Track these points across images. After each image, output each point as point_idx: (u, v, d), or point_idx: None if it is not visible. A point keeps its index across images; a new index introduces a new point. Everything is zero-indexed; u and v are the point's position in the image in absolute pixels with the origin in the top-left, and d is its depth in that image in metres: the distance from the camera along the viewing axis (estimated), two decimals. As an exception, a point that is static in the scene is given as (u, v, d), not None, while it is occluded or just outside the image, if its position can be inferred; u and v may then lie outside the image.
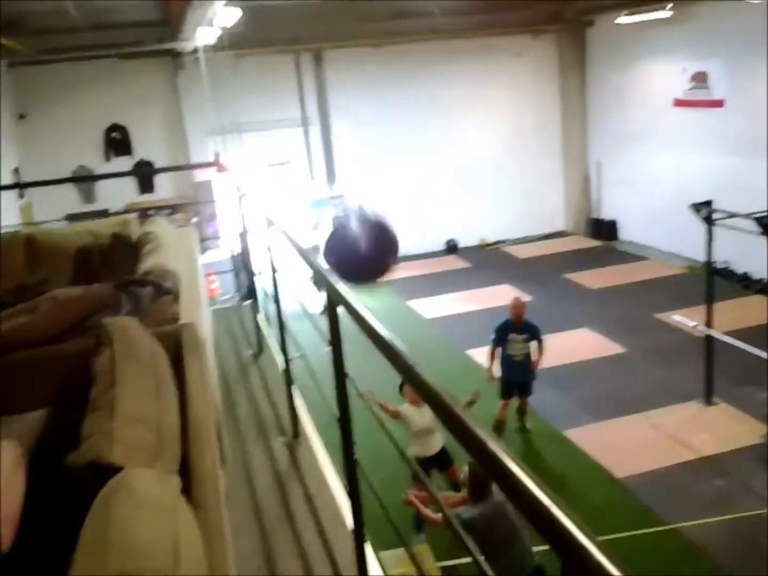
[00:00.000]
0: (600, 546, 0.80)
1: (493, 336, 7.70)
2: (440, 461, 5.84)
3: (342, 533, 2.32)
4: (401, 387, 5.67)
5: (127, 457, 1.55)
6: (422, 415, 5.59)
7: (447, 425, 1.16)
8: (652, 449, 7.41)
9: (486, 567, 1.29)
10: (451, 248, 16.24)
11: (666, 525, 6.15)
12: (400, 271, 15.99)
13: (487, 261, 15.37)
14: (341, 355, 1.98)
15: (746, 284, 12.01)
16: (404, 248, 16.99)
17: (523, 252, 15.78)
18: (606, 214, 16.35)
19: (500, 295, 12.86)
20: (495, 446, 1.04)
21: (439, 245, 16.23)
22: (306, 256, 2.30)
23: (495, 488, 4.41)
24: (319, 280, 2.10)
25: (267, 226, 3.20)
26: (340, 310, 1.82)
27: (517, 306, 7.70)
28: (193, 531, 1.35)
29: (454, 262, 15.52)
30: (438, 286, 13.70)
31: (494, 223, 16.37)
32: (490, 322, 11.48)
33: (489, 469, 1.03)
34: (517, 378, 7.63)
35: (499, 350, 7.65)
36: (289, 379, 3.21)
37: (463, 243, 16.33)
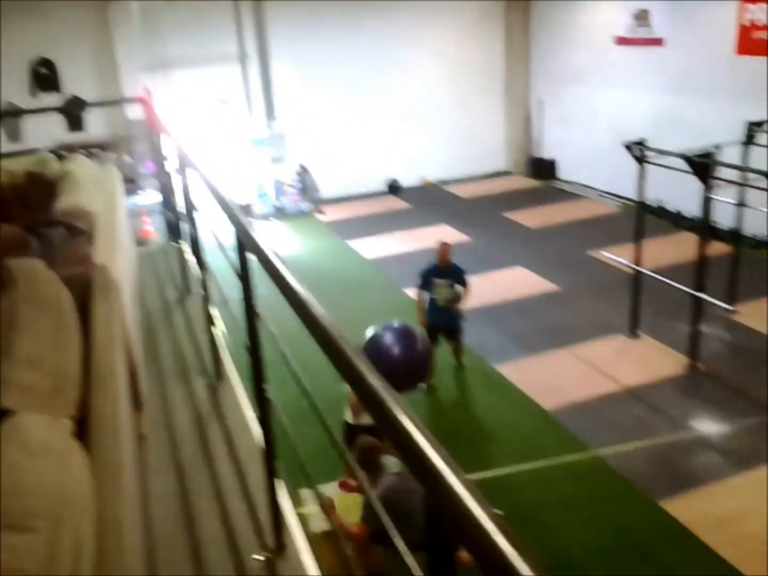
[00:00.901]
0: (467, 484, 0.83)
1: (418, 281, 7.64)
2: (371, 434, 5.91)
3: (259, 473, 2.37)
4: None
5: (21, 402, 1.54)
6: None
7: (333, 360, 1.16)
8: (579, 381, 7.71)
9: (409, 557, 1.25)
10: (393, 188, 16.18)
11: (590, 452, 6.46)
12: (340, 212, 16.04)
13: (428, 201, 15.39)
14: (251, 296, 1.99)
15: (677, 222, 12.36)
16: (345, 188, 16.98)
17: (465, 191, 15.84)
18: (546, 154, 16.48)
19: (440, 235, 12.96)
20: (373, 379, 1.06)
21: (381, 185, 16.15)
22: (222, 198, 2.26)
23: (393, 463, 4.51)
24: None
25: (188, 165, 3.13)
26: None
27: (444, 250, 7.54)
28: (83, 474, 1.37)
29: (395, 202, 15.50)
30: (379, 226, 13.70)
31: (437, 162, 16.35)
32: (429, 261, 11.63)
33: (366, 400, 1.05)
34: (442, 323, 7.49)
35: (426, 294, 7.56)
36: (210, 321, 3.20)
37: (405, 182, 16.28)
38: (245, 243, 1.86)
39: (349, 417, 5.58)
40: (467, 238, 12.70)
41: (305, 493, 5.00)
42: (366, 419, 5.63)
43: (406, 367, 5.24)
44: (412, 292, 10.39)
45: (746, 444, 6.47)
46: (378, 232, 13.34)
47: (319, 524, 4.51)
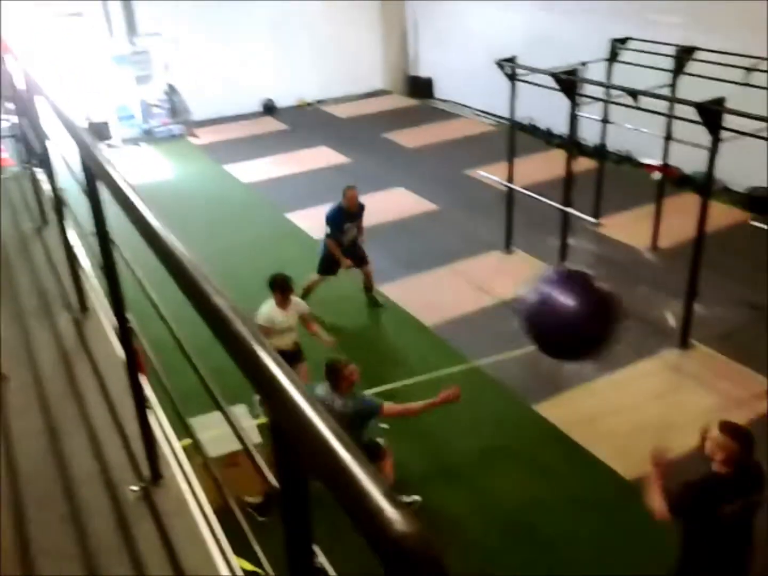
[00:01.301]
0: (304, 393, 0.83)
1: (328, 230, 7.56)
2: (294, 357, 6.03)
3: (131, 405, 2.30)
4: (271, 285, 5.78)
5: None
6: (287, 316, 5.81)
7: (193, 301, 1.11)
8: (459, 297, 7.96)
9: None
10: (268, 108, 15.67)
11: (470, 363, 6.74)
12: (214, 134, 15.36)
13: (305, 121, 15.05)
14: (103, 225, 1.87)
15: (548, 139, 12.75)
16: (218, 109, 16.20)
17: (342, 111, 15.58)
18: (423, 72, 16.40)
19: (320, 157, 12.79)
20: (219, 300, 1.02)
21: (255, 106, 15.58)
22: (67, 121, 2.08)
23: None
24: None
25: (35, 87, 2.86)
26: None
27: (353, 195, 7.58)
28: None
29: (271, 124, 15.04)
30: (255, 148, 13.30)
31: (312, 81, 15.91)
32: (310, 184, 11.49)
33: (215, 326, 1.02)
34: (349, 257, 7.58)
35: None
36: (69, 252, 3.01)
37: (280, 103, 15.79)
38: (93, 169, 1.73)
39: (274, 340, 5.73)
40: (347, 160, 12.58)
41: (193, 421, 4.94)
42: (282, 342, 5.79)
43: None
44: (293, 216, 10.29)
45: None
46: (255, 155, 12.96)
47: (213, 449, 4.48)
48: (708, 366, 6.59)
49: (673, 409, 6.11)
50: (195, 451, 4.53)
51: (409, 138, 13.51)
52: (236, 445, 5.00)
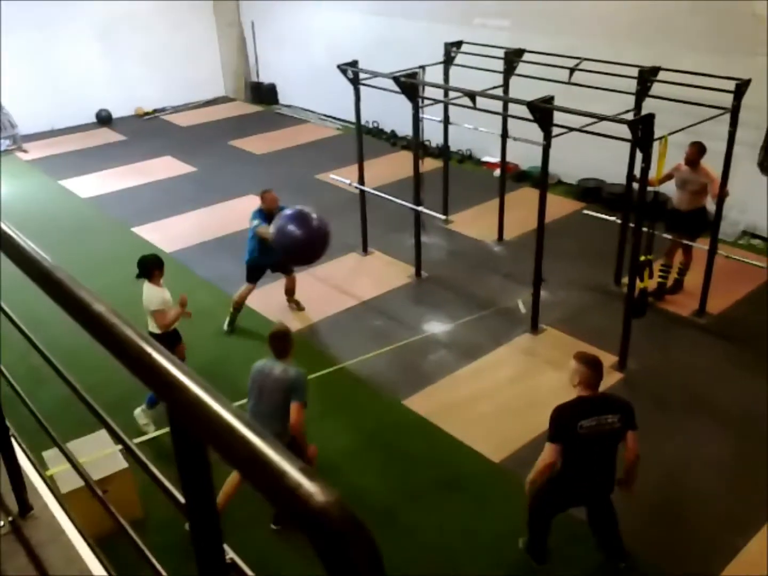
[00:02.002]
0: (204, 385, 0.81)
1: (255, 221, 7.17)
2: (173, 339, 6.02)
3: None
4: (147, 266, 5.84)
5: None
6: (164, 293, 5.86)
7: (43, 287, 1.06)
8: (321, 300, 7.99)
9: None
10: (104, 119, 14.92)
11: (337, 365, 6.79)
12: (46, 148, 14.40)
13: (146, 131, 14.48)
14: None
15: (394, 141, 13.08)
16: (48, 122, 15.21)
17: (184, 120, 15.15)
18: (266, 78, 16.28)
19: (164, 167, 12.36)
20: (104, 310, 0.99)
21: (90, 117, 14.79)
22: None
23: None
24: None
25: None
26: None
27: (272, 198, 7.22)
28: None
29: (108, 135, 14.34)
30: (93, 161, 12.63)
31: (150, 89, 15.35)
32: (156, 196, 11.07)
33: (97, 333, 0.98)
34: (271, 259, 7.21)
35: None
36: None
37: (117, 113, 15.08)
38: None
39: (153, 327, 5.88)
40: (193, 169, 12.25)
41: (50, 453, 4.64)
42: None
43: (312, 241, 6.40)
44: (140, 230, 9.86)
45: (467, 338, 7.26)
46: (94, 168, 12.31)
47: (71, 482, 4.22)
48: (558, 347, 7.04)
49: (530, 390, 6.48)
50: (62, 479, 4.28)
51: (257, 144, 13.37)
52: (105, 471, 4.79)
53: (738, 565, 4.68)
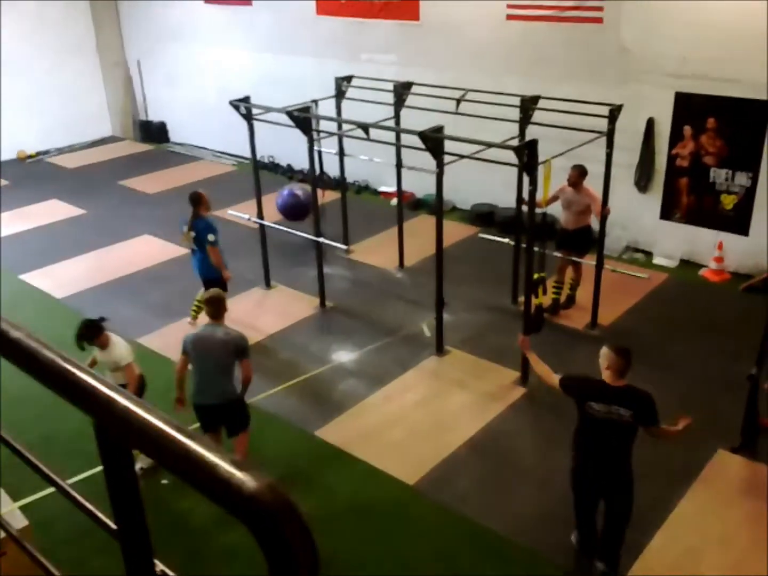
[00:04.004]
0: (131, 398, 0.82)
1: (211, 237, 7.35)
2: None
3: None
4: (85, 336, 5.50)
5: None
6: (109, 355, 5.66)
7: None
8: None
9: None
10: (-17, 164, 14.20)
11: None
12: None
13: (29, 175, 13.88)
14: None
15: (290, 175, 13.13)
16: None
17: (70, 161, 14.64)
18: (155, 116, 16.01)
19: (51, 211, 11.89)
20: (22, 336, 0.97)
21: (-36, 162, 14.05)
22: None
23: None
24: None
25: None
26: None
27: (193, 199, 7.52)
28: None
29: (-12, 180, 13.65)
30: (-27, 209, 11.96)
31: (32, 131, 14.76)
32: (44, 241, 10.62)
33: (17, 359, 0.96)
34: (198, 271, 7.57)
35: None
36: None
37: (-4, 157, 14.41)
38: None
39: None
40: (82, 211, 11.84)
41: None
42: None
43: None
44: (29, 276, 9.42)
45: (375, 365, 7.32)
46: (-27, 216, 11.66)
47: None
48: (462, 367, 7.22)
49: (438, 412, 6.60)
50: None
51: (148, 184, 13.08)
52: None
53: (644, 561, 4.91)
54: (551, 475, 5.73)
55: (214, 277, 7.35)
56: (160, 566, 1.01)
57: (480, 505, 5.46)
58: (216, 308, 5.45)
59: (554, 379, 4.80)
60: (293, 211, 9.83)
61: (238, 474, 0.71)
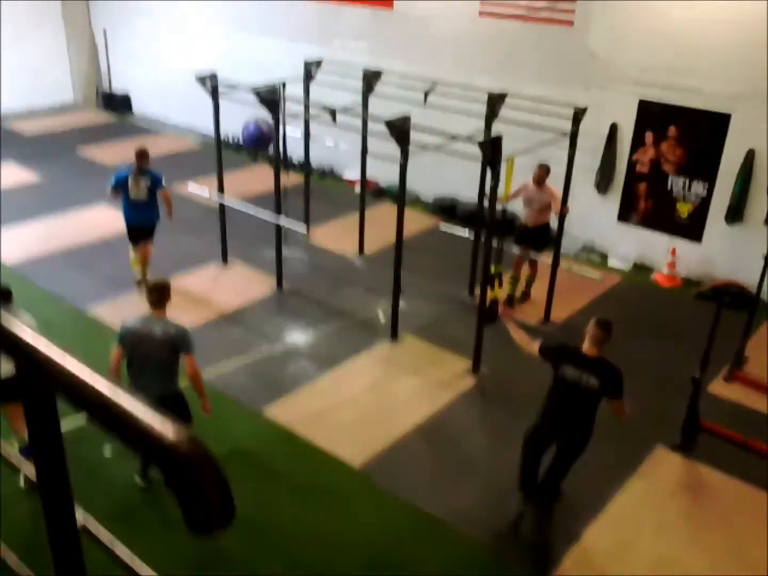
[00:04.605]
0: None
1: (112, 181, 7.90)
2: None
3: None
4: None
5: None
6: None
7: None
8: (175, 312, 7.64)
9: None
10: (-64, 123, 13.72)
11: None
12: None
13: (-15, 138, 13.47)
14: None
15: (254, 156, 12.98)
16: None
17: (28, 127, 14.24)
18: (118, 87, 15.67)
19: (4, 175, 11.55)
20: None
21: None
22: None
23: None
24: None
25: None
26: None
27: (143, 152, 7.97)
28: None
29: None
30: None
31: (-10, 93, 14.32)
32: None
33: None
34: (139, 221, 7.95)
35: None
36: None
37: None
38: None
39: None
40: (37, 179, 11.55)
41: None
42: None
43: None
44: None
45: (328, 348, 7.33)
46: None
47: None
48: (415, 354, 7.27)
49: (388, 396, 6.64)
50: None
51: (108, 154, 12.80)
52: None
53: (579, 549, 5.03)
54: (495, 466, 5.82)
55: (155, 224, 8.08)
56: (82, 520, 1.01)
57: (423, 491, 5.51)
58: (159, 296, 5.05)
59: (533, 346, 5.07)
60: (257, 142, 9.75)
61: (159, 425, 0.72)
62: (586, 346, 4.83)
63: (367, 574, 4.81)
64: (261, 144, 9.83)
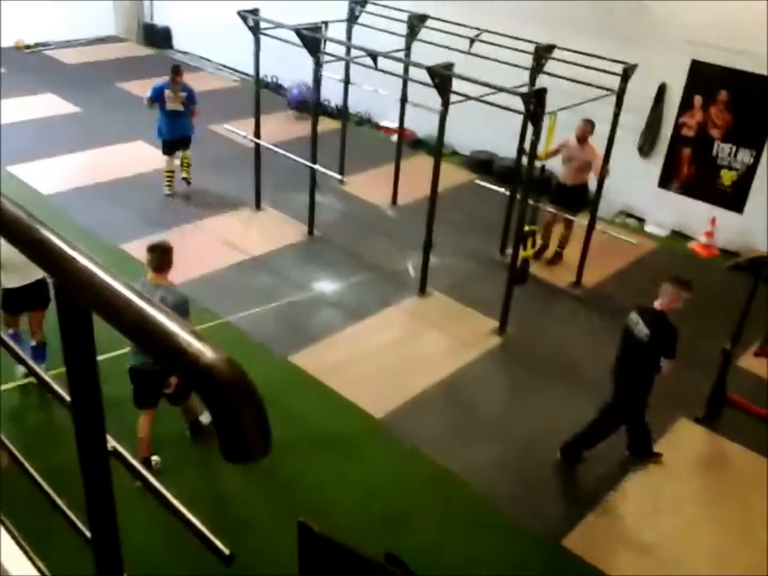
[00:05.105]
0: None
1: (150, 93, 8.75)
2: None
3: None
4: None
5: None
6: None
7: None
8: (207, 254, 7.81)
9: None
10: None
11: (222, 319, 6.68)
12: None
13: (27, 66, 13.48)
14: None
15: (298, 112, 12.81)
16: None
17: (70, 57, 14.21)
18: (160, 20, 15.52)
19: (45, 105, 11.61)
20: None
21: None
22: None
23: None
24: None
25: None
26: None
27: (179, 71, 8.69)
28: None
29: (-17, 65, 13.23)
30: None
31: (34, 21, 14.23)
32: (36, 135, 10.40)
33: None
34: (178, 133, 8.81)
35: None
36: None
37: (-6, 43, 13.93)
38: None
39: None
40: (77, 109, 11.58)
41: None
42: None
43: None
44: (21, 171, 9.25)
45: (356, 298, 7.33)
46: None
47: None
48: (442, 311, 7.25)
49: (413, 351, 6.66)
50: None
51: (147, 89, 12.62)
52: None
53: (594, 515, 5.05)
54: (512, 426, 5.83)
55: (190, 135, 9.01)
56: (112, 442, 1.01)
57: (441, 445, 5.55)
58: (160, 258, 4.67)
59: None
60: (300, 104, 10.17)
61: (197, 344, 0.70)
62: (657, 301, 4.93)
63: (378, 521, 4.88)
64: (304, 106, 9.72)
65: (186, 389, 4.86)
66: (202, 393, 0.68)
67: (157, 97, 8.62)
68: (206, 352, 0.69)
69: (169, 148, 8.87)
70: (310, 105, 9.08)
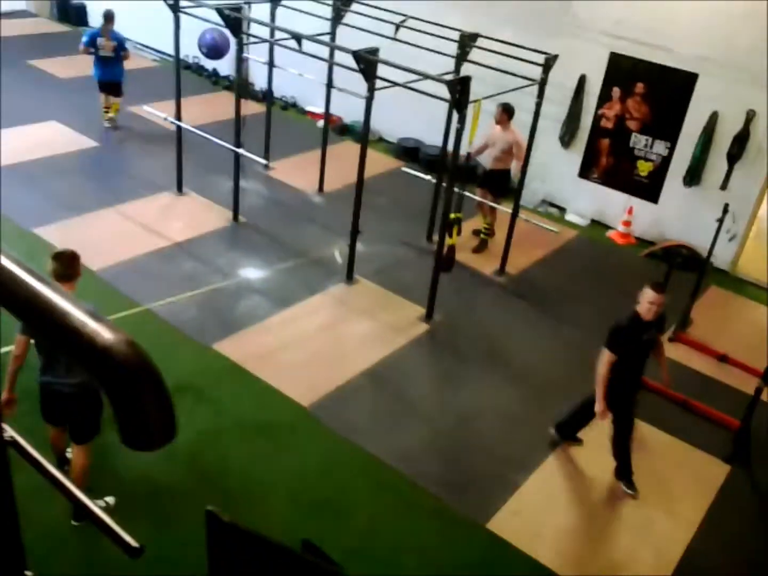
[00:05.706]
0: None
1: (85, 38, 9.53)
2: None
3: None
4: None
5: None
6: None
7: None
8: (126, 240, 7.54)
9: None
10: None
11: (142, 306, 6.47)
12: None
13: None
14: None
15: (215, 80, 12.53)
16: None
17: (-25, 32, 13.41)
18: (74, -3, 14.83)
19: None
20: None
21: None
22: None
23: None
24: None
25: None
26: None
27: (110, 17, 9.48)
28: None
29: None
30: None
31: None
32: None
33: None
34: (108, 76, 9.63)
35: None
36: None
37: None
38: None
39: None
40: (-16, 87, 10.93)
41: None
42: None
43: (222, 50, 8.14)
44: None
45: (282, 285, 7.23)
46: None
47: None
48: (369, 298, 7.23)
49: (340, 338, 6.62)
50: None
51: (61, 67, 12.18)
52: None
53: (518, 497, 5.15)
54: (440, 412, 5.88)
55: (121, 80, 9.82)
56: (10, 431, 0.93)
57: (369, 432, 5.54)
58: (66, 267, 4.15)
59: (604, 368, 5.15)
60: (211, 53, 8.59)
61: (93, 324, 0.64)
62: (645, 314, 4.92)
63: (309, 510, 4.84)
64: (216, 55, 8.67)
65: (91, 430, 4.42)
66: (100, 376, 0.63)
67: (91, 43, 9.40)
68: (103, 332, 0.63)
69: (102, 89, 9.82)
70: (222, 54, 8.55)
